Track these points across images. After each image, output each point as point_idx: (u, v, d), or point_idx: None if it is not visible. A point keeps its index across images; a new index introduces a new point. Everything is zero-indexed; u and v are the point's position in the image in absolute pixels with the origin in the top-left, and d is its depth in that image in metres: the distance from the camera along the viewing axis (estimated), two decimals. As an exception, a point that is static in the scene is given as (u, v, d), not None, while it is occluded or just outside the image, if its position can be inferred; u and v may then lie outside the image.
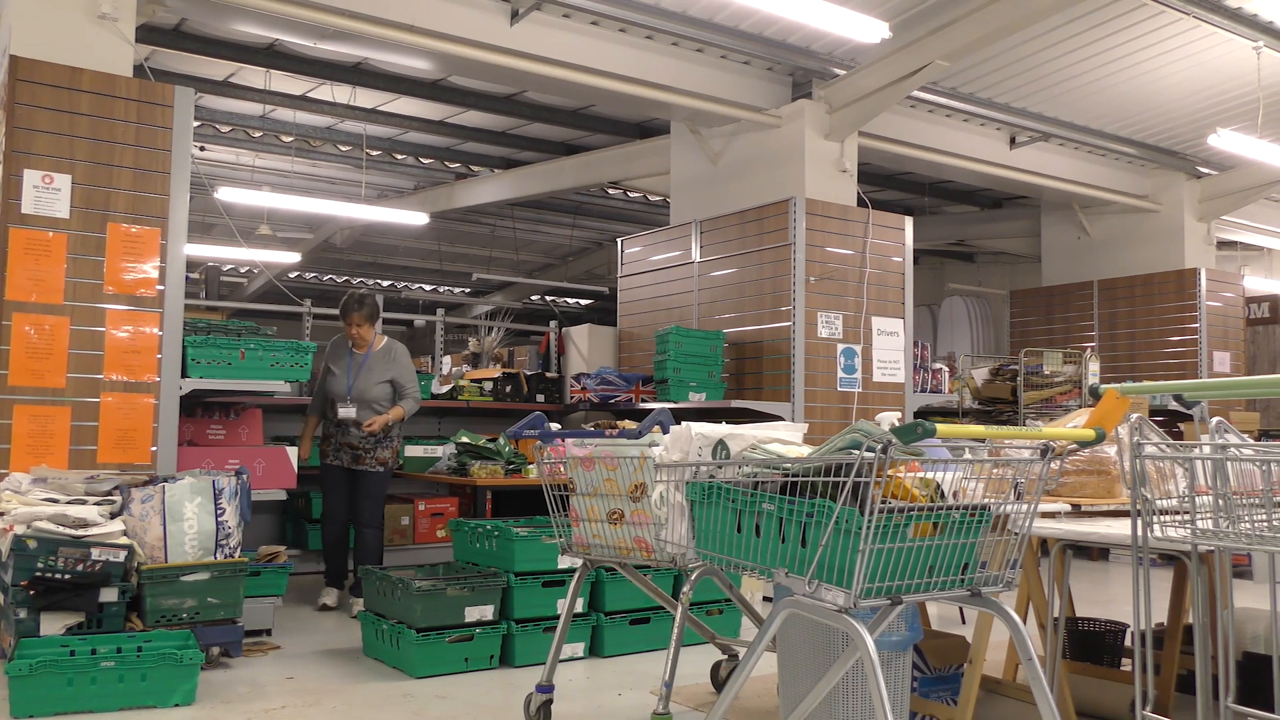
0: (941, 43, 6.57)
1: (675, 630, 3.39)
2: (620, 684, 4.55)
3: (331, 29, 5.94)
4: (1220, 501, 2.66)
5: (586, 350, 8.63)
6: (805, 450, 2.79)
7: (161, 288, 5.20)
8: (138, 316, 5.13)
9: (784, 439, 2.95)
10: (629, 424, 6.30)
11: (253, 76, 8.60)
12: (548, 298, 17.98)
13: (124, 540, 4.36)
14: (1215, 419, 2.86)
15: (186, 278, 5.41)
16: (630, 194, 12.38)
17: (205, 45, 7.65)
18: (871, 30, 5.78)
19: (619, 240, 9.04)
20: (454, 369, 10.08)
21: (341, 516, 6.11)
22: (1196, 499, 2.74)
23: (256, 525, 7.15)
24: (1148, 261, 10.33)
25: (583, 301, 19.21)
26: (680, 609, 3.40)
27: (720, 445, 3.00)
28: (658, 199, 11.95)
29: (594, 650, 5.06)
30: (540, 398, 8.31)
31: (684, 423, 3.16)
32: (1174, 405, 3.35)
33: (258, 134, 10.11)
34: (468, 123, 9.84)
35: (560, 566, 4.92)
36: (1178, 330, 10.02)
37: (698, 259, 8.01)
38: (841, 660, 2.61)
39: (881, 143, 8.11)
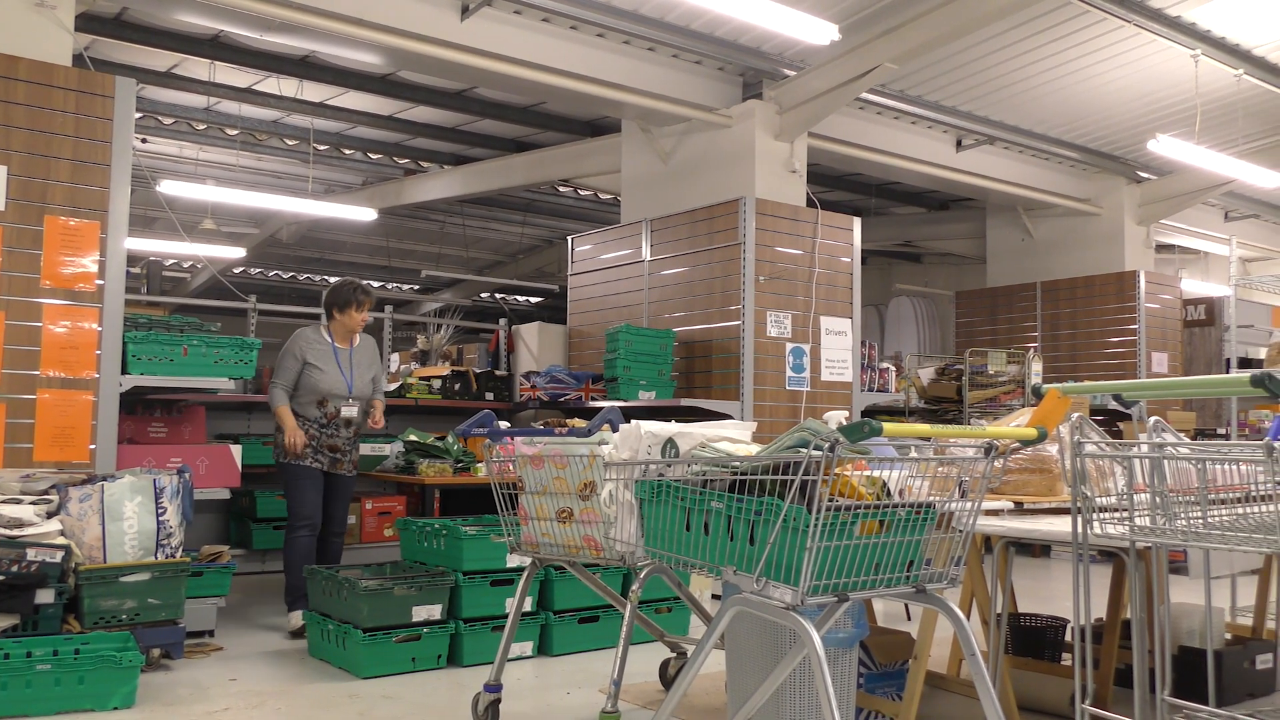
0: (890, 46, 6.64)
1: (624, 628, 3.39)
2: (569, 682, 4.55)
3: (278, 21, 5.84)
4: (1157, 499, 2.71)
5: (536, 348, 8.60)
6: (754, 449, 2.80)
7: (101, 282, 5.08)
8: (76, 311, 5.01)
9: (733, 437, 2.96)
10: (578, 422, 6.30)
11: (197, 68, 8.45)
12: (497, 295, 17.88)
13: (61, 540, 4.26)
14: (1153, 418, 2.92)
15: (127, 272, 5.29)
16: (581, 192, 12.36)
17: (147, 35, 7.47)
18: (821, 32, 5.83)
19: (569, 238, 9.02)
20: (402, 366, 9.98)
21: (318, 521, 5.59)
22: (1135, 496, 2.80)
23: (199, 525, 7.03)
24: (1089, 264, 10.54)
25: (533, 299, 19.14)
26: (629, 607, 3.40)
27: (669, 444, 3.00)
28: (608, 197, 11.94)
29: (543, 649, 5.04)
30: (489, 396, 8.26)
31: (633, 421, 3.16)
32: (1114, 405, 3.42)
33: (202, 127, 9.93)
34: (417, 118, 9.75)
35: (509, 565, 4.90)
36: (1117, 331, 10.23)
37: (648, 258, 8.01)
38: (789, 657, 2.63)
39: (831, 144, 8.18)
